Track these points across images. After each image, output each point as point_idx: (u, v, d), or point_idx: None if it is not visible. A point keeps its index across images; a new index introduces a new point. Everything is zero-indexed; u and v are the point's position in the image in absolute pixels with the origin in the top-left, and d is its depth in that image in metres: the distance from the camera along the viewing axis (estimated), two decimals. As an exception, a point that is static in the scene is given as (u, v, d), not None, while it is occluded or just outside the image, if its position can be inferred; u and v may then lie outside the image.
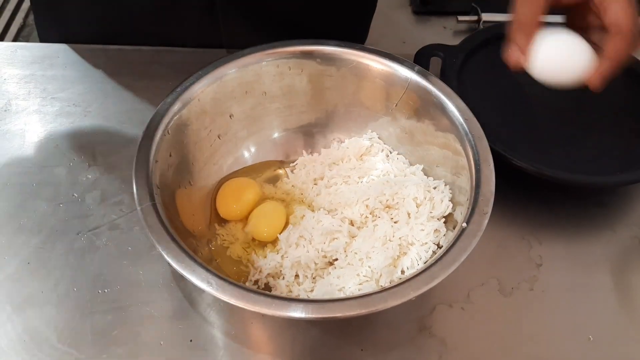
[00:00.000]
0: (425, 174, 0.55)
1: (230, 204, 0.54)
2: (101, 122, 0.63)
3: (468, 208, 0.45)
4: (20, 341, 0.47)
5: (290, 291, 0.49)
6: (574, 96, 0.64)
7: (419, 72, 0.52)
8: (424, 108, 0.53)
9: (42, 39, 0.75)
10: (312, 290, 0.48)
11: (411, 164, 0.56)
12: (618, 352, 0.49)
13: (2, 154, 0.60)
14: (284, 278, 0.49)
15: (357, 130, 0.58)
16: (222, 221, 0.54)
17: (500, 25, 0.69)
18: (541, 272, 0.53)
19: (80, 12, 0.69)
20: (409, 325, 0.49)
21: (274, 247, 0.52)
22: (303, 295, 0.48)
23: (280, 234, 0.51)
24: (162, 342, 0.47)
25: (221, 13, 0.67)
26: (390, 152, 0.57)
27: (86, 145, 0.61)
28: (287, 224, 0.53)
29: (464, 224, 0.43)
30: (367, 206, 0.52)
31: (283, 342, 0.48)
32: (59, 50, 0.70)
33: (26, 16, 1.59)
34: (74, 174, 0.58)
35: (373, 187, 0.52)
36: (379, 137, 0.58)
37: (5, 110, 0.63)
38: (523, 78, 0.65)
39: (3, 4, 1.61)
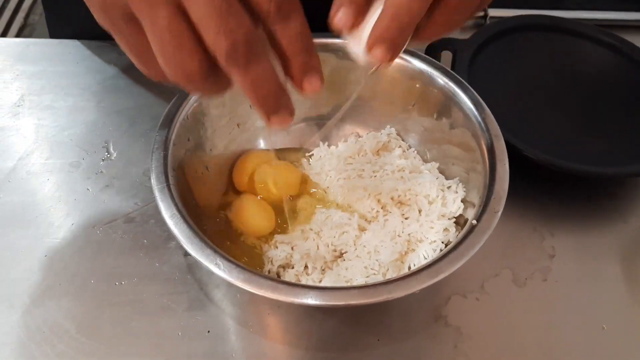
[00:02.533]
0: (440, 172, 0.55)
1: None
2: (113, 117, 0.63)
3: (480, 206, 0.45)
4: (40, 332, 0.47)
5: (299, 281, 0.49)
6: (584, 88, 0.65)
7: (438, 69, 0.53)
8: (443, 105, 0.53)
9: (53, 35, 0.75)
10: (320, 281, 0.49)
11: (427, 161, 0.56)
12: (632, 341, 0.49)
13: (17, 149, 0.60)
14: (293, 268, 0.50)
15: (376, 125, 0.59)
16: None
17: (509, 19, 0.70)
18: (554, 263, 0.53)
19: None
20: (425, 315, 0.49)
21: (285, 237, 0.52)
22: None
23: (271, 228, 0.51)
24: (179, 333, 0.48)
25: None
26: (408, 149, 0.57)
27: (99, 140, 0.61)
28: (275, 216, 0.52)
29: (474, 221, 0.44)
30: (378, 201, 0.52)
31: (299, 332, 0.49)
32: (70, 46, 0.70)
33: (27, 16, 1.58)
34: (88, 168, 0.58)
35: (386, 183, 0.53)
36: (397, 133, 0.58)
37: (19, 106, 0.64)
38: (533, 71, 0.66)
39: (4, 3, 1.61)
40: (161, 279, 0.51)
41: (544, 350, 0.48)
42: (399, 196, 0.52)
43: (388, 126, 0.58)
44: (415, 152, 0.57)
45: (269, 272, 0.50)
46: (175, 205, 0.43)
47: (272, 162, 0.54)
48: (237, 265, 0.40)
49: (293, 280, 0.49)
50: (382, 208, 0.52)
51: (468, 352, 0.47)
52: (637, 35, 0.75)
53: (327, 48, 0.55)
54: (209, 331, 0.48)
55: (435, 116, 0.54)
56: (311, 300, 0.39)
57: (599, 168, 0.56)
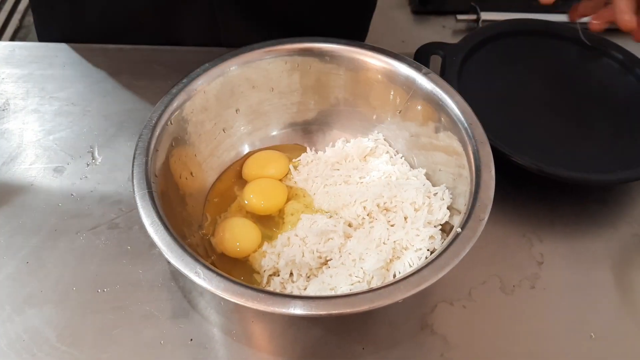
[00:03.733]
0: (427, 178, 0.54)
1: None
2: (100, 121, 0.63)
3: (465, 213, 0.44)
4: (19, 341, 0.47)
5: (284, 288, 0.49)
6: (574, 93, 0.65)
7: (426, 74, 0.52)
8: (430, 111, 0.52)
9: (41, 38, 0.74)
10: (305, 289, 0.48)
11: (414, 167, 0.56)
12: (620, 349, 0.48)
13: (1, 154, 0.59)
14: (279, 275, 0.49)
15: (363, 131, 0.58)
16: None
17: (500, 24, 0.69)
18: (542, 270, 0.53)
19: (79, 10, 0.69)
20: (411, 323, 0.49)
21: (272, 245, 0.51)
22: (296, 293, 0.48)
23: (254, 251, 0.51)
24: (162, 341, 0.47)
25: (219, 12, 0.67)
26: (395, 155, 0.57)
27: (85, 145, 0.60)
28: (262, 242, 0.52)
29: (459, 229, 0.43)
30: (364, 207, 0.51)
31: (284, 341, 0.48)
32: (58, 50, 0.69)
33: (22, 17, 1.58)
34: (73, 174, 0.58)
35: (372, 189, 0.52)
36: (384, 139, 0.57)
37: (4, 110, 0.63)
38: (524, 76, 0.66)
39: (-1, 5, 1.61)
40: (145, 286, 0.50)
41: (531, 359, 0.48)
42: (384, 203, 0.51)
43: (375, 131, 0.58)
44: (403, 158, 0.56)
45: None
46: (157, 212, 0.43)
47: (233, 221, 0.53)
48: (218, 274, 0.40)
49: (278, 288, 0.48)
50: (368, 215, 0.51)
51: (454, 361, 0.47)
52: (629, 39, 0.74)
53: (311, 52, 0.54)
54: (192, 339, 0.47)
55: (422, 122, 0.54)
56: (292, 310, 0.38)
57: (588, 174, 0.55)
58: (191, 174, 0.52)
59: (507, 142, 0.55)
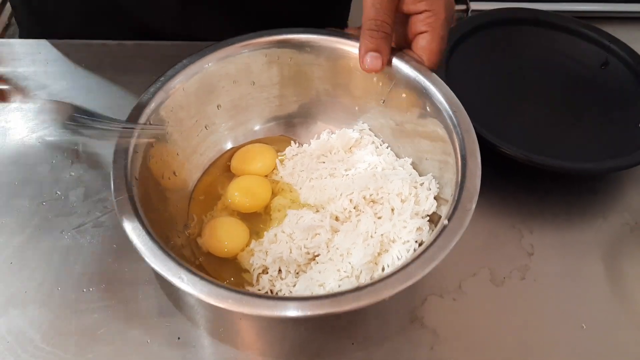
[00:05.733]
0: (414, 167, 0.54)
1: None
2: (84, 118, 0.62)
3: (452, 203, 0.43)
4: (3, 342, 0.46)
5: (273, 286, 0.48)
6: (563, 82, 0.64)
7: (408, 62, 0.51)
8: (414, 98, 0.51)
9: (22, 35, 0.73)
10: (294, 285, 0.47)
11: (400, 157, 0.55)
12: (611, 339, 0.48)
13: (-17, 153, 0.58)
14: (267, 272, 0.49)
15: (348, 122, 0.57)
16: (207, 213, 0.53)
17: (488, 13, 0.69)
18: (533, 261, 0.52)
19: (58, 5, 0.68)
20: (400, 316, 0.48)
21: (259, 242, 0.51)
22: (285, 290, 0.47)
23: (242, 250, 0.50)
24: (148, 340, 0.46)
25: (192, 4, 0.66)
26: (381, 145, 0.56)
27: (69, 142, 0.59)
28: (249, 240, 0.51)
29: (446, 221, 0.42)
30: (350, 200, 0.51)
31: (272, 338, 0.47)
32: (40, 46, 0.68)
33: (11, 15, 1.56)
34: (57, 172, 0.57)
35: (357, 181, 0.51)
36: (369, 129, 0.57)
37: (-14, 108, 0.62)
38: (512, 65, 0.65)
39: (-13, 3, 1.59)
40: (130, 285, 0.49)
41: (523, 351, 0.47)
42: (371, 195, 0.50)
43: (360, 122, 0.57)
44: (389, 147, 0.56)
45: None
46: (138, 217, 0.42)
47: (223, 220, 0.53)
48: (202, 278, 0.39)
49: (267, 286, 0.48)
50: (354, 208, 0.51)
51: (444, 355, 0.46)
52: (617, 27, 0.74)
53: (291, 44, 0.53)
54: (179, 338, 0.47)
55: (406, 110, 0.53)
56: (278, 312, 0.38)
57: (578, 164, 0.55)
58: (174, 173, 0.52)
59: (495, 132, 0.54)
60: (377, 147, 0.55)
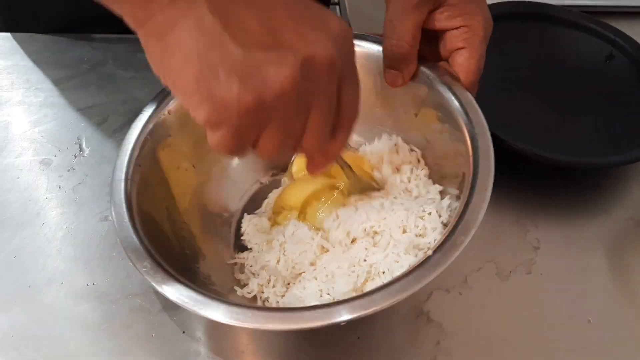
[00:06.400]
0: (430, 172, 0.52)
1: None
2: (86, 112, 0.61)
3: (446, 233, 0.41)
4: (8, 337, 0.46)
5: (262, 292, 0.47)
6: (567, 77, 0.64)
7: (441, 77, 0.49)
8: (442, 116, 0.50)
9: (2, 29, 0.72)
10: (283, 296, 0.46)
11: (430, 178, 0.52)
12: (618, 334, 0.48)
13: (-14, 147, 0.58)
14: (257, 276, 0.48)
15: (378, 133, 0.55)
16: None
17: (493, 6, 0.68)
18: (538, 256, 0.52)
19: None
20: (406, 311, 0.48)
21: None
22: (272, 299, 0.46)
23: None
24: (153, 334, 0.46)
25: None
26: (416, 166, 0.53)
27: (72, 136, 0.59)
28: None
29: (430, 252, 0.40)
30: (348, 233, 0.48)
31: (279, 331, 0.47)
32: (41, 41, 0.68)
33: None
34: (60, 166, 0.57)
35: (359, 214, 0.48)
36: (403, 141, 0.54)
37: (-12, 102, 0.62)
38: (516, 59, 0.65)
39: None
40: (135, 279, 0.49)
41: (529, 345, 0.47)
42: (371, 227, 0.47)
43: (394, 134, 0.54)
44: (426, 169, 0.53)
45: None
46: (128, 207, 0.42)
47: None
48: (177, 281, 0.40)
49: (256, 290, 0.47)
50: (351, 241, 0.48)
51: (450, 349, 0.46)
52: (623, 21, 0.73)
53: None
54: (184, 332, 0.47)
55: (434, 127, 0.51)
56: (264, 325, 0.38)
57: (583, 159, 0.55)
58: (193, 166, 0.51)
59: (501, 127, 0.54)
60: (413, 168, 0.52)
